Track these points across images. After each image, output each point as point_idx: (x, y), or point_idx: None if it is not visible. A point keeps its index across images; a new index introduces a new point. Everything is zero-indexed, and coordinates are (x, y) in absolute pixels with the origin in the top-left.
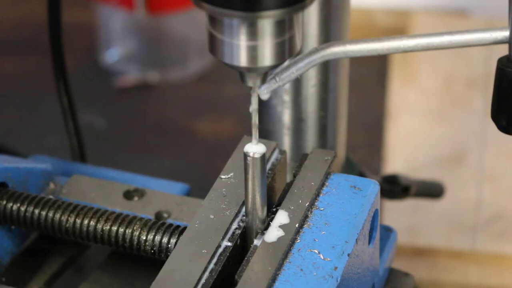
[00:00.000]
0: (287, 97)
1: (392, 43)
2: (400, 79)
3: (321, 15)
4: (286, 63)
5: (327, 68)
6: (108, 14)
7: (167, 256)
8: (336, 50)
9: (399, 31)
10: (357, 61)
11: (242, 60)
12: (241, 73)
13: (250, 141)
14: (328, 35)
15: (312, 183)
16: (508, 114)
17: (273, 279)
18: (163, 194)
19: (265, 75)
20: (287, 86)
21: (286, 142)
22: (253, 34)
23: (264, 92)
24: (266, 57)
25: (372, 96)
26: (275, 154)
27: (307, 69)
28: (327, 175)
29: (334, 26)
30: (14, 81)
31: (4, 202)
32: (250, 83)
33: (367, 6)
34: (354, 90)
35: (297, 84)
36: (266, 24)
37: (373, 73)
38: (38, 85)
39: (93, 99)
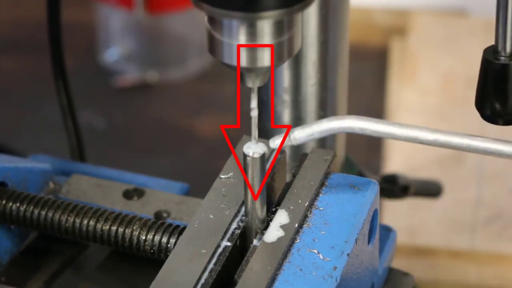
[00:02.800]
0: (286, 97)
1: (411, 132)
2: (399, 78)
3: (320, 14)
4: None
5: (326, 67)
6: (107, 13)
7: (166, 256)
8: (355, 125)
9: (398, 31)
10: (356, 60)
11: (242, 60)
12: (241, 74)
13: (249, 140)
14: (328, 34)
15: (312, 183)
16: (492, 104)
17: (273, 279)
18: (163, 193)
19: (264, 75)
20: (286, 85)
21: None
22: (252, 34)
23: (276, 144)
24: (266, 58)
25: (371, 96)
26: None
27: (322, 136)
28: (326, 175)
29: (334, 25)
30: (14, 81)
31: (4, 202)
32: (249, 83)
33: (366, 6)
34: (353, 90)
35: (297, 84)
36: (266, 24)
37: (373, 72)
38: (38, 85)
39: (93, 99)
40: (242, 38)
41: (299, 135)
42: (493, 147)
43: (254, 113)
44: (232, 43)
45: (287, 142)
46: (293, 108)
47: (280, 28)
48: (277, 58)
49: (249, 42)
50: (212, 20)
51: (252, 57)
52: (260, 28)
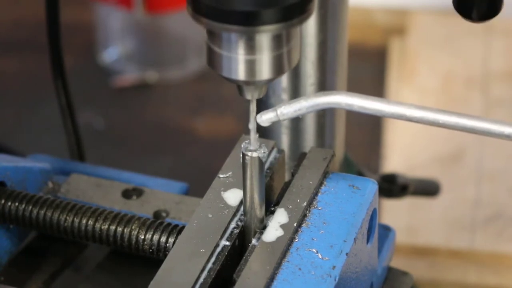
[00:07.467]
0: (285, 97)
1: (399, 108)
2: (398, 78)
3: (319, 14)
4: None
5: (325, 67)
6: (106, 13)
7: (165, 256)
8: (341, 100)
9: (397, 31)
10: (356, 60)
11: (241, 73)
12: (239, 86)
13: (248, 140)
14: (327, 34)
15: (311, 182)
16: (467, 4)
17: (272, 279)
18: (162, 193)
19: (263, 88)
20: (285, 85)
21: (285, 141)
22: (251, 48)
23: (263, 121)
24: (264, 71)
25: (371, 95)
26: (274, 153)
27: (309, 111)
28: (325, 174)
29: (332, 25)
30: (13, 80)
31: (3, 201)
32: (248, 96)
33: (365, 5)
34: (353, 89)
35: (296, 83)
36: (264, 38)
37: (372, 72)
38: (37, 84)
39: (92, 98)
40: (241, 52)
41: (286, 110)
42: (481, 126)
43: (253, 120)
44: (231, 56)
45: (275, 118)
46: None
47: (279, 41)
48: (276, 70)
49: (248, 55)
50: (211, 34)
51: (251, 70)
52: (259, 41)
